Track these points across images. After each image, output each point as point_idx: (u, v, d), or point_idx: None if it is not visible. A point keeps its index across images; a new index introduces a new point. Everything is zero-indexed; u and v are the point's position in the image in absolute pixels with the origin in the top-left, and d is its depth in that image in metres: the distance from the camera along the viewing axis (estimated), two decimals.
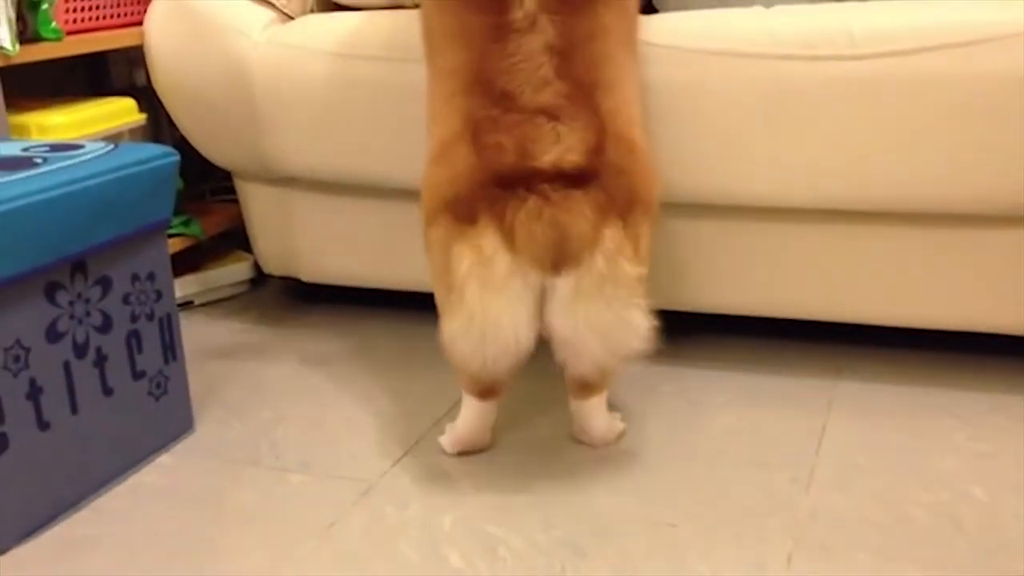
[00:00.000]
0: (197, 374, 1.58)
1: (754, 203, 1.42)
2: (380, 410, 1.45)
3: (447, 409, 1.44)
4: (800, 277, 1.48)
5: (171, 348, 1.34)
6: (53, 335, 1.16)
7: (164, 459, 1.34)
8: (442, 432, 1.35)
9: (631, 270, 1.14)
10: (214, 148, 1.70)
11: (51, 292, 1.16)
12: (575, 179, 1.13)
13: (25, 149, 1.28)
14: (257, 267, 1.90)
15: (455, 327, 1.14)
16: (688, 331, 1.66)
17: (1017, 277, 1.38)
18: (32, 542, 1.16)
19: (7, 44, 1.47)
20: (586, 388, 1.28)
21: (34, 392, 1.15)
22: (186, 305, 1.85)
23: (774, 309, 1.52)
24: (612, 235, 1.13)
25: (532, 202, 1.11)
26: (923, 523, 1.13)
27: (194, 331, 1.76)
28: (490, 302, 1.12)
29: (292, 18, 1.65)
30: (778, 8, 1.39)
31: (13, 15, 1.48)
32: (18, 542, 1.15)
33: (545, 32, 1.16)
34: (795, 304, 1.51)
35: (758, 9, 1.40)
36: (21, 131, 1.54)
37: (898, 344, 1.57)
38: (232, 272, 1.91)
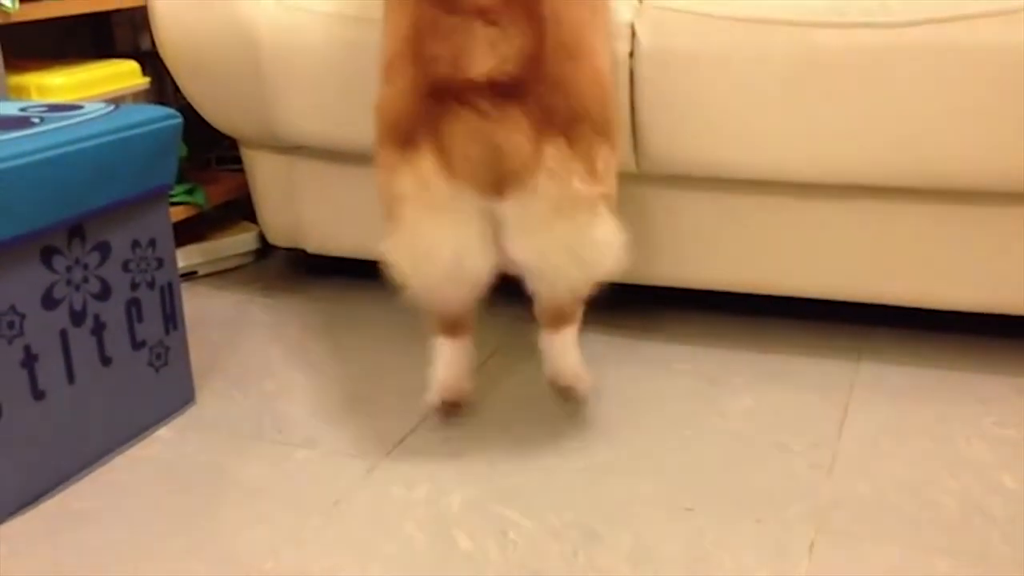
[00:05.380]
0: (200, 345, 1.55)
1: (780, 178, 1.38)
2: (387, 384, 1.41)
3: None
4: (822, 255, 1.44)
5: (172, 318, 1.30)
6: (49, 302, 1.12)
7: (164, 432, 1.30)
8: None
9: (586, 189, 1.08)
10: (219, 114, 1.65)
11: (47, 257, 1.12)
12: (510, 90, 1.05)
13: (23, 109, 1.24)
14: (263, 238, 1.86)
15: (391, 244, 1.11)
16: (705, 309, 1.61)
17: None
18: (27, 514, 1.12)
19: (7, 2, 1.42)
20: (557, 318, 1.22)
21: (29, 360, 1.11)
22: (190, 275, 1.82)
23: (795, 288, 1.48)
24: (554, 153, 1.06)
25: (464, 117, 1.05)
26: (951, 511, 1.09)
27: (198, 302, 1.72)
28: (427, 222, 1.08)
29: None
30: None
31: None
32: (12, 514, 1.12)
33: None
34: (816, 283, 1.46)
35: None
36: (21, 92, 1.50)
37: (922, 325, 1.53)
38: (237, 242, 1.87)
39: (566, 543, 1.06)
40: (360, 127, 1.54)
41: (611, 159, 1.13)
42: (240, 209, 1.96)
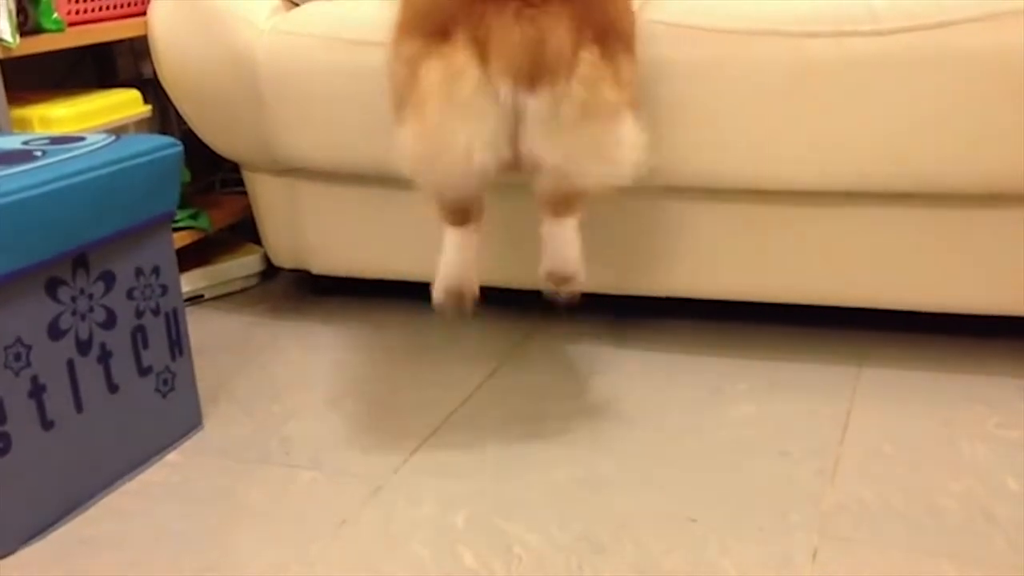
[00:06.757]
0: (207, 369, 1.56)
1: (776, 186, 1.38)
2: (392, 404, 1.42)
3: (460, 402, 1.41)
4: (820, 262, 1.44)
5: (178, 343, 1.31)
6: (55, 332, 1.14)
7: (172, 457, 1.31)
8: (455, 428, 1.32)
9: (614, 96, 1.11)
10: (220, 139, 1.67)
11: (52, 288, 1.13)
12: None
13: (25, 142, 1.26)
14: (267, 259, 1.87)
15: (407, 136, 1.11)
16: (707, 318, 1.62)
17: None
18: (38, 543, 1.14)
19: (7, 36, 1.44)
20: (564, 207, 1.21)
21: (36, 391, 1.12)
22: (196, 299, 1.83)
23: (794, 295, 1.48)
24: (589, 59, 1.09)
25: (512, 6, 1.07)
26: (954, 515, 1.09)
27: (204, 325, 1.74)
28: (449, 116, 1.08)
29: (297, 4, 1.62)
30: None
31: (13, 6, 1.45)
32: (23, 544, 1.13)
33: None
34: (816, 290, 1.47)
35: None
36: (23, 124, 1.51)
37: (923, 329, 1.53)
38: (242, 265, 1.89)
39: (571, 557, 1.06)
40: (357, 148, 1.55)
41: (634, 71, 1.17)
42: (245, 231, 1.97)
